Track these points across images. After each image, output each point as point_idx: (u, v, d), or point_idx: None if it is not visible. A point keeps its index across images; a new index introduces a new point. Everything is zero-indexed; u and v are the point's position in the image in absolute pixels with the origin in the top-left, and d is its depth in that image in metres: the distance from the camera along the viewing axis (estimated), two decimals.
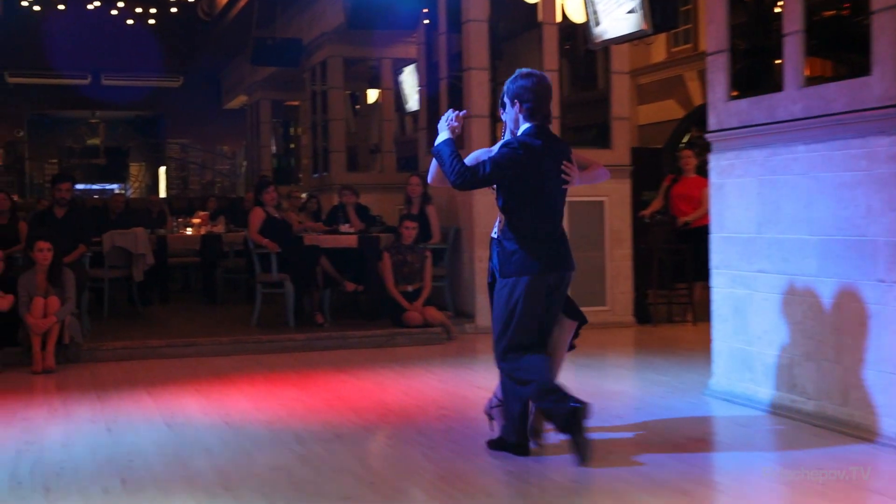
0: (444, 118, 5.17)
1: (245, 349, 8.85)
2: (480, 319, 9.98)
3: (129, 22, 21.18)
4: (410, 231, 9.70)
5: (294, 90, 19.83)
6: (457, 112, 5.19)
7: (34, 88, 24.75)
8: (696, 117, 14.19)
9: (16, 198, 16.20)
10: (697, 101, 15.24)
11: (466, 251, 10.22)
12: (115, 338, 9.04)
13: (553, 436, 5.13)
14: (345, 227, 10.79)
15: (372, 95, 18.48)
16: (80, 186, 25.02)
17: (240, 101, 24.27)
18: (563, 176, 5.10)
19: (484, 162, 5.01)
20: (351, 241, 10.34)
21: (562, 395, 4.96)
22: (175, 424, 5.97)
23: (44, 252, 8.20)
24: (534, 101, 5.05)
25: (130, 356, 8.53)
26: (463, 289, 10.33)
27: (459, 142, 9.68)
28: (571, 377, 7.19)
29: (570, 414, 4.87)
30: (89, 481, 4.72)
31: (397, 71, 16.17)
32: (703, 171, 10.57)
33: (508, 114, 5.14)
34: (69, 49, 22.38)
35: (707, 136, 6.72)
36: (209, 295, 12.29)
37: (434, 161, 5.24)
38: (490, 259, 5.34)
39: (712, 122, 6.64)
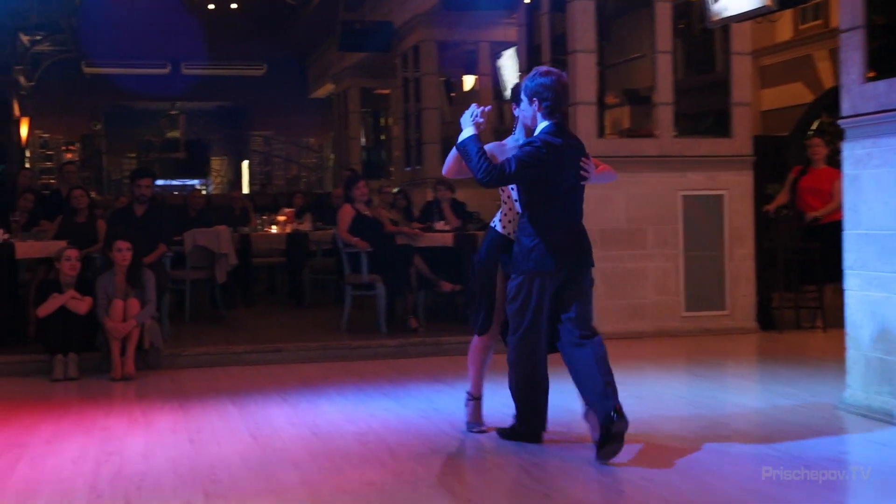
0: (468, 113, 5.66)
1: (334, 355, 8.95)
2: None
3: (211, 7, 21.59)
4: None
5: (385, 77, 19.99)
6: (482, 108, 5.69)
7: (111, 79, 25.37)
8: (827, 102, 13.91)
9: (93, 194, 16.67)
10: (828, 84, 14.91)
11: None
12: (196, 343, 9.24)
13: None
14: (440, 225, 10.83)
15: (468, 82, 18.53)
16: (159, 182, 25.58)
17: (327, 89, 24.58)
18: (581, 172, 5.54)
19: (509, 160, 5.42)
20: (447, 239, 10.36)
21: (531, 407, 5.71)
22: (260, 436, 6.07)
23: (123, 252, 8.41)
24: (553, 99, 5.52)
25: (213, 362, 8.70)
26: None
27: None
28: (686, 388, 7.13)
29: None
30: (171, 495, 4.83)
31: (495, 55, 16.18)
32: (834, 161, 10.36)
33: (525, 111, 5.64)
34: (148, 37, 22.91)
35: (840, 122, 6.57)
36: (296, 297, 12.46)
37: (453, 152, 5.79)
38: (480, 247, 5.99)
39: (846, 106, 6.49)
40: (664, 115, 10.24)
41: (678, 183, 10.21)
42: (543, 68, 5.67)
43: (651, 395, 7.17)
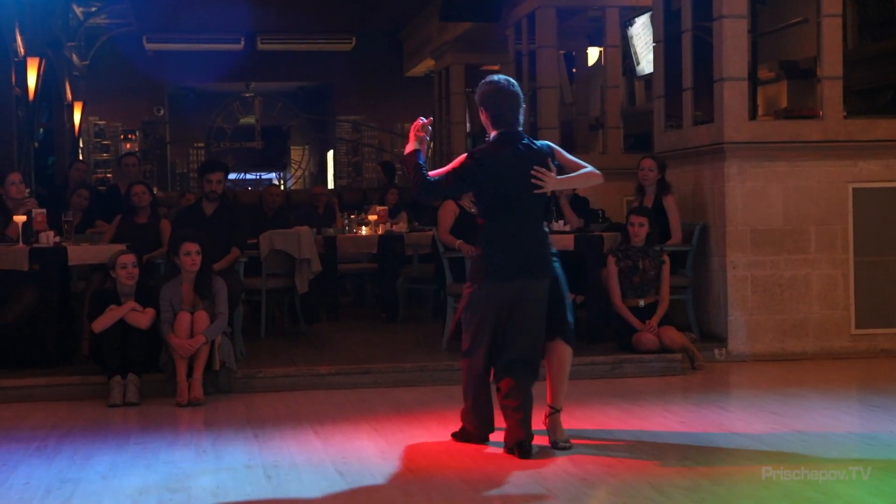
0: (413, 127, 6.55)
1: (433, 378, 9.01)
2: (735, 343, 9.86)
3: None
4: (642, 229, 9.65)
5: (493, 51, 19.99)
6: (423, 120, 6.59)
7: (176, 56, 25.82)
8: None
9: (156, 191, 17.02)
10: None
11: (716, 255, 10.09)
12: (274, 363, 9.36)
13: None
14: (558, 225, 10.80)
15: (593, 55, 18.46)
16: (231, 176, 25.98)
17: (425, 66, 24.70)
18: (533, 181, 6.36)
19: (449, 173, 6.44)
20: (566, 241, 10.32)
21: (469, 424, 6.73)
22: (349, 472, 6.13)
23: (191, 256, 8.57)
24: (494, 109, 6.50)
25: (293, 386, 8.81)
26: (711, 304, 10.19)
27: (707, 111, 9.60)
28: (857, 422, 7.03)
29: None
30: None
31: (626, 23, 16.08)
32: None
33: (483, 119, 6.58)
34: (218, 8, 23.25)
35: None
36: (389, 310, 12.55)
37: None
38: None
39: None
40: (831, 92, 10.08)
41: (848, 173, 10.05)
42: (488, 77, 6.58)
43: (815, 428, 7.08)
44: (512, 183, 6.40)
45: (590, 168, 6.64)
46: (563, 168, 6.60)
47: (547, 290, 6.50)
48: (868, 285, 10.04)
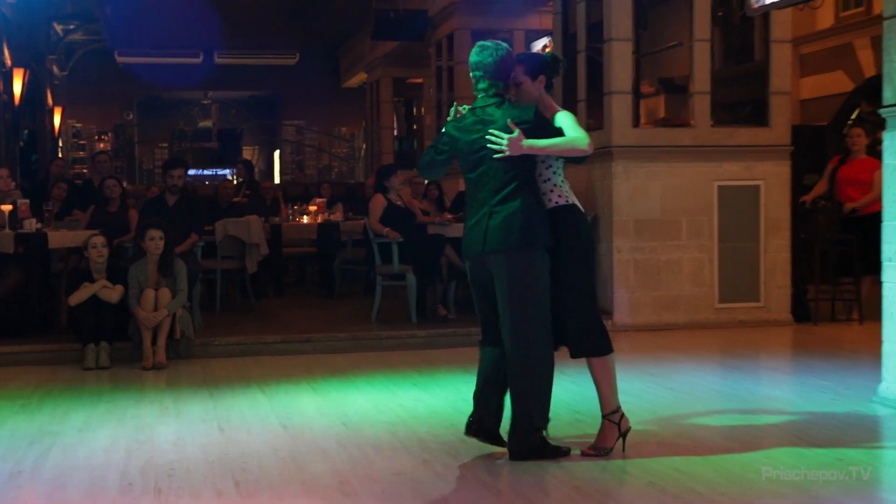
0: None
1: (364, 346, 9.02)
2: (619, 316, 9.96)
3: None
4: None
5: (418, 66, 20.03)
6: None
7: (144, 69, 25.54)
8: (867, 91, 13.80)
9: (126, 184, 16.81)
10: (869, 73, 14.81)
11: (605, 241, 10.18)
12: (227, 332, 9.32)
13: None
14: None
15: None
16: (191, 172, 25.74)
17: (359, 79, 24.65)
18: (489, 146, 5.18)
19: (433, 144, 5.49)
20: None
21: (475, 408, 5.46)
22: (291, 425, 6.14)
23: (155, 241, 8.51)
24: (477, 74, 5.33)
25: (244, 352, 8.79)
26: (600, 282, 10.28)
27: (598, 119, 9.66)
28: (719, 381, 7.12)
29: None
30: (201, 483, 4.91)
31: (530, 43, 16.18)
32: (874, 151, 10.31)
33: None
34: (180, 27, 23.01)
35: (881, 111, 6.54)
36: (326, 288, 12.54)
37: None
38: None
39: (888, 95, 6.46)
40: (701, 105, 10.22)
41: (714, 173, 10.18)
42: (479, 42, 5.45)
43: (683, 387, 7.18)
44: (473, 149, 5.26)
45: (577, 135, 5.21)
46: (557, 134, 5.26)
47: (525, 265, 5.17)
48: (729, 267, 10.19)
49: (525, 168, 5.22)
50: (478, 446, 5.54)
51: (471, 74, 5.37)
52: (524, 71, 5.40)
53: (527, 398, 5.23)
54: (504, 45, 5.38)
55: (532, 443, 5.22)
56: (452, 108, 5.55)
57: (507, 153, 5.11)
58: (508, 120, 5.15)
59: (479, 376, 5.48)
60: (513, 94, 5.39)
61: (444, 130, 5.47)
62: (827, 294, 10.40)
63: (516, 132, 5.10)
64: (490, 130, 5.16)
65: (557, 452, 5.27)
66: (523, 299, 5.16)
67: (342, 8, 21.22)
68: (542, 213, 5.24)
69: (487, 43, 5.37)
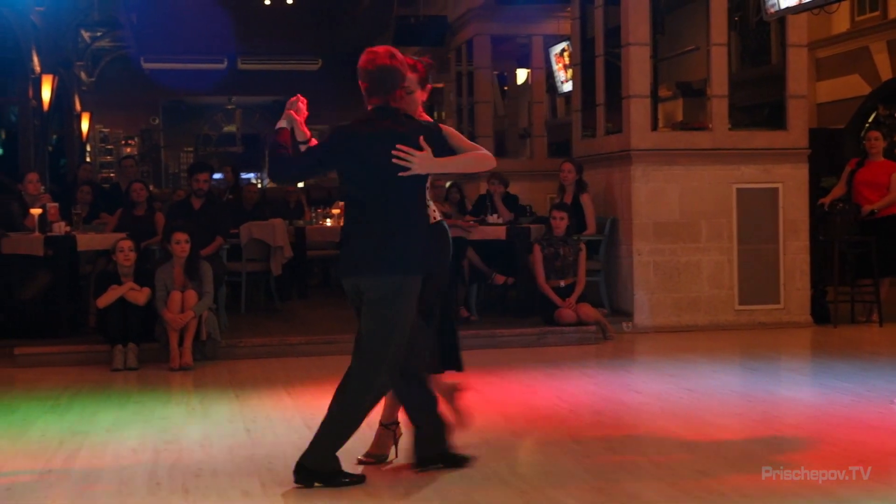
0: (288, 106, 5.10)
1: None
2: (639, 317, 9.91)
3: (267, 2, 21.73)
4: (562, 221, 9.67)
5: (438, 71, 19.97)
6: (296, 99, 5.15)
7: (169, 75, 25.61)
8: (884, 94, 13.74)
9: (152, 188, 16.86)
10: (885, 76, 14.72)
11: (624, 244, 10.13)
12: (252, 334, 9.32)
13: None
14: (492, 218, 10.83)
15: (521, 76, 18.49)
16: (216, 176, 25.74)
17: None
18: (394, 161, 4.70)
19: (309, 150, 4.98)
20: (499, 232, 10.37)
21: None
22: (315, 426, 6.08)
23: (181, 244, 8.51)
24: (366, 82, 4.86)
25: (268, 353, 8.78)
26: (620, 284, 10.24)
27: (617, 123, 9.63)
28: (738, 382, 7.06)
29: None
30: (228, 483, 4.90)
31: (548, 48, 16.13)
32: (891, 154, 10.25)
33: None
34: (204, 33, 23.07)
35: None
36: None
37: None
38: None
39: None
40: (718, 108, 10.15)
41: (732, 176, 10.12)
42: (367, 49, 4.93)
43: (703, 388, 7.13)
44: (375, 163, 4.73)
45: (480, 151, 5.01)
46: (453, 150, 4.95)
47: (404, 290, 4.76)
48: (748, 269, 10.12)
49: (420, 186, 4.89)
50: (500, 446, 5.51)
51: (399, 80, 4.89)
52: (417, 80, 5.07)
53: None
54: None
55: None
56: None
57: (415, 170, 4.73)
58: (420, 136, 4.77)
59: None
60: (403, 104, 4.94)
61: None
62: (846, 296, 10.32)
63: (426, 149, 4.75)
64: (398, 145, 4.72)
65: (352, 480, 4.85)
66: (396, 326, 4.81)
67: (364, 14, 21.22)
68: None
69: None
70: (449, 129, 5.10)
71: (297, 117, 5.07)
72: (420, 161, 4.73)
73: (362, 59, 4.89)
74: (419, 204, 4.91)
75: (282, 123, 5.01)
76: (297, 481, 4.79)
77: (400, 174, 4.73)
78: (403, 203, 4.82)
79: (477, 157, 5.00)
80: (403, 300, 4.77)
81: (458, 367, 5.25)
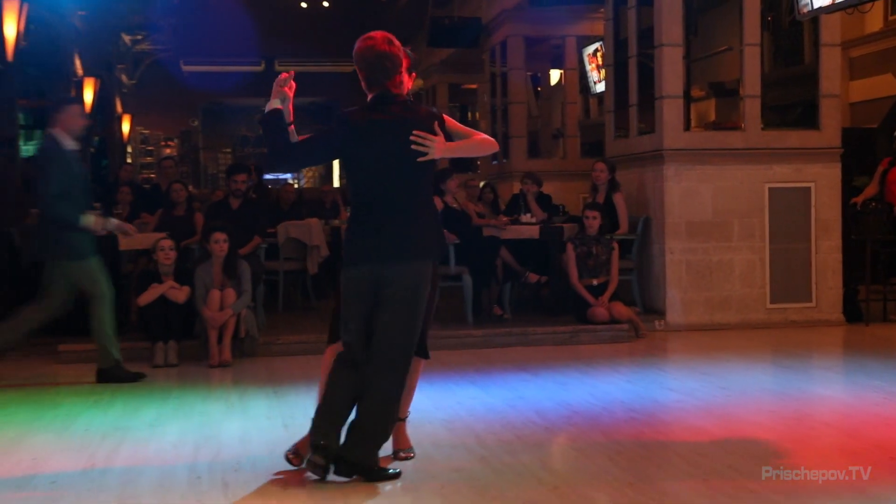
0: (276, 84, 4.87)
1: None
2: (672, 316, 9.87)
3: (304, 5, 21.82)
4: (595, 221, 9.66)
5: (472, 72, 20.01)
6: (288, 75, 4.91)
7: (208, 76, 25.78)
8: None
9: (191, 188, 16.96)
10: None
11: (657, 243, 10.11)
12: (290, 332, 9.35)
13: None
14: (526, 217, 10.83)
15: (555, 76, 18.47)
16: None
17: (415, 85, 24.66)
18: (413, 147, 4.69)
19: (313, 137, 4.85)
20: (533, 231, 10.37)
21: (319, 428, 4.78)
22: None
23: (220, 243, 8.56)
24: (367, 70, 4.79)
25: (305, 351, 8.80)
26: (652, 283, 10.21)
27: (649, 123, 9.58)
28: (771, 380, 7.02)
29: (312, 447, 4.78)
30: (266, 477, 4.93)
31: (582, 49, 16.10)
32: None
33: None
34: (242, 36, 23.22)
35: None
36: None
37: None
38: None
39: None
40: (751, 108, 10.10)
41: (765, 175, 10.07)
42: (364, 36, 4.85)
43: (736, 386, 7.09)
44: (389, 150, 4.72)
45: (482, 136, 4.98)
46: (451, 137, 4.90)
47: (426, 276, 4.83)
48: (781, 268, 10.06)
49: (431, 172, 4.93)
50: (534, 443, 5.52)
51: (399, 66, 4.85)
52: (407, 67, 4.99)
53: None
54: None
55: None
56: None
57: (432, 154, 4.72)
58: (435, 122, 4.80)
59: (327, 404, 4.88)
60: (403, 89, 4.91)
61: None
62: (878, 294, 10.25)
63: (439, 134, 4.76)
64: (415, 131, 4.71)
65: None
66: (414, 310, 4.85)
67: (399, 16, 21.27)
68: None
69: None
70: (445, 116, 5.04)
71: (290, 95, 4.87)
72: (437, 145, 4.71)
73: (359, 45, 4.82)
74: (430, 190, 4.97)
75: (274, 104, 4.81)
76: (336, 472, 4.80)
77: (418, 160, 4.72)
78: (419, 189, 4.82)
79: (481, 142, 4.98)
80: (426, 286, 4.82)
81: (424, 354, 5.17)
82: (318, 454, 4.75)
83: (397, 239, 4.75)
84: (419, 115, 4.82)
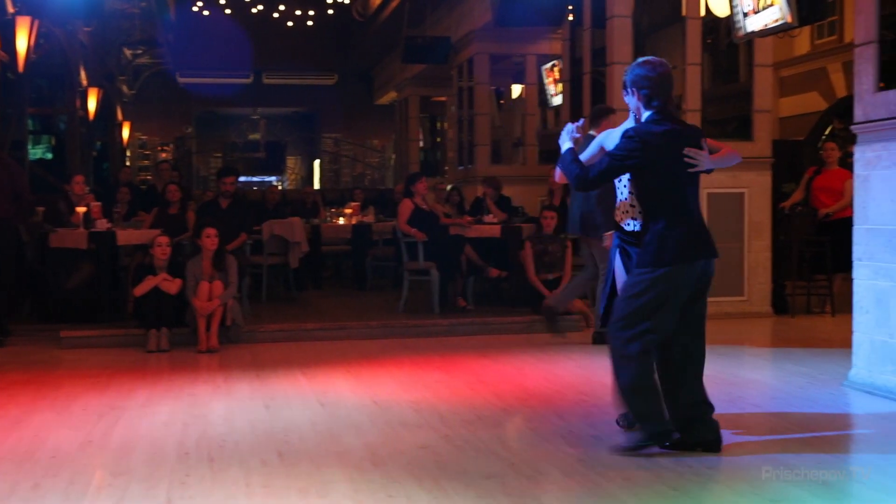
0: (565, 131, 5.12)
1: (392, 333, 8.98)
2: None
3: (290, 24, 21.74)
4: (551, 221, 9.66)
5: (442, 86, 19.98)
6: (576, 123, 5.16)
7: (201, 88, 25.61)
8: (839, 109, 13.67)
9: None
10: (840, 93, 14.68)
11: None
12: (272, 321, 9.30)
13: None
14: (488, 218, 10.83)
15: (516, 91, 18.48)
16: (241, 179, 25.76)
17: (390, 97, 24.61)
18: (686, 160, 4.78)
19: (601, 160, 4.90)
20: (494, 230, 10.37)
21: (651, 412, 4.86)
22: (327, 403, 6.11)
23: (211, 238, 8.50)
24: (650, 88, 4.82)
25: (286, 338, 8.77)
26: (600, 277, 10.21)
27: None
28: (707, 366, 7.03)
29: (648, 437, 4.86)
30: (249, 453, 4.89)
31: (541, 66, 16.12)
32: (845, 163, 10.21)
33: (630, 101, 4.94)
34: (234, 50, 23.12)
35: (853, 127, 6.46)
36: (359, 281, 12.52)
37: (560, 162, 5.10)
38: (611, 258, 5.20)
39: (858, 113, 6.38)
40: (693, 121, 10.10)
41: (704, 181, 9.94)
42: (642, 59, 4.93)
43: None
44: (675, 160, 4.78)
45: (730, 149, 5.14)
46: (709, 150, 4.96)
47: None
48: (717, 265, 9.92)
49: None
50: (493, 422, 5.51)
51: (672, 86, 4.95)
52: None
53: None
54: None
55: None
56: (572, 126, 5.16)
57: (702, 167, 4.83)
58: (704, 138, 4.94)
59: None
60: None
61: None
62: (803, 290, 10.31)
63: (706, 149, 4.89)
64: (687, 148, 4.80)
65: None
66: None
67: (375, 34, 21.22)
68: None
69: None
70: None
71: (578, 143, 5.15)
72: (704, 159, 4.84)
73: (640, 66, 4.87)
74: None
75: (568, 145, 5.04)
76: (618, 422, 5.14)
77: (689, 170, 4.82)
78: (697, 193, 4.95)
79: (731, 154, 5.15)
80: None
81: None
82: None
83: (708, 235, 4.96)
84: (692, 130, 4.99)
